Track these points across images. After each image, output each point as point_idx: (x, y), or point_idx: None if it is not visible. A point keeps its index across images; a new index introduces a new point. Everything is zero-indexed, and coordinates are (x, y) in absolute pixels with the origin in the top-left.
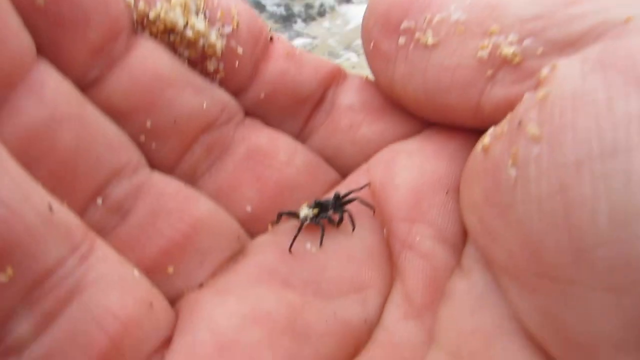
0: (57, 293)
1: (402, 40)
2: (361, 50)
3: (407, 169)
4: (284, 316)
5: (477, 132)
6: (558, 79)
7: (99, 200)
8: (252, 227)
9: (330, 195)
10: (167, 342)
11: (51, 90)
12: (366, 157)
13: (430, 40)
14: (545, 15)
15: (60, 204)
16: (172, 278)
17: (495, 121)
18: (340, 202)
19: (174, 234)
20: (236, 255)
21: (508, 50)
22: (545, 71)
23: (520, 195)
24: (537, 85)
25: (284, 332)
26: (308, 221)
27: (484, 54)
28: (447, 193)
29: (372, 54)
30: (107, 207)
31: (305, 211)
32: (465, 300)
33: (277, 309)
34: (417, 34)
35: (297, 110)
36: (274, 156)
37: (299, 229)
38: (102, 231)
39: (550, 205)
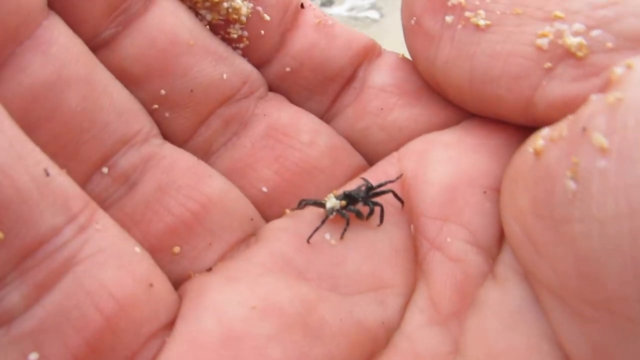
0: (50, 264)
1: (449, 18)
2: (385, 10)
3: (443, 163)
4: (297, 310)
5: (524, 130)
6: (634, 81)
7: (105, 169)
8: (267, 210)
9: (356, 185)
10: (168, 326)
11: (60, 49)
12: (395, 145)
13: (481, 22)
14: (619, 2)
15: (60, 170)
16: (178, 259)
17: (548, 121)
18: (371, 195)
19: (182, 211)
20: (248, 237)
21: (572, 40)
22: (618, 70)
23: (579, 212)
24: (606, 87)
25: (295, 327)
26: (334, 214)
27: (543, 42)
28: (484, 193)
29: (413, 31)
30: (114, 177)
31: (332, 202)
32: (497, 312)
33: (289, 302)
34: (467, 13)
35: (324, 87)
36: (296, 135)
37: (323, 221)
38: (107, 202)
39: (615, 228)
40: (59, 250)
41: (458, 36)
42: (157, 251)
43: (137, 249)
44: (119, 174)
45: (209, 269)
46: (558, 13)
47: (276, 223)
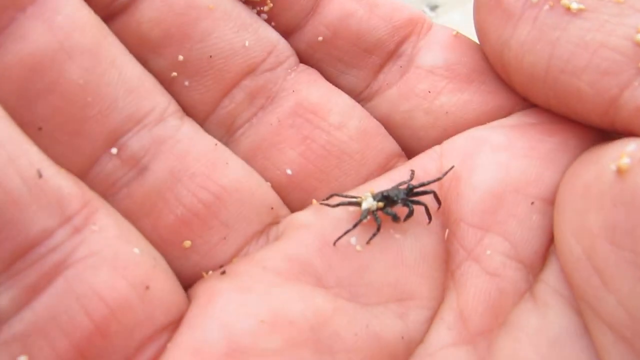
0: (41, 267)
1: None
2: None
3: (490, 168)
4: (308, 324)
5: (587, 133)
6: None
7: (114, 150)
8: (291, 194)
9: (393, 183)
10: (169, 327)
11: (65, 18)
12: (439, 131)
13: (574, 4)
14: None
15: (58, 169)
16: (189, 253)
17: (630, 128)
18: (410, 195)
19: (195, 202)
20: (268, 227)
21: None
22: None
23: None
24: None
25: (306, 343)
26: (367, 217)
27: None
28: (532, 204)
29: (488, 6)
30: (123, 159)
31: (369, 203)
32: (534, 339)
33: (302, 314)
34: None
35: (362, 60)
36: (325, 116)
37: (356, 224)
38: (116, 186)
39: None
40: (51, 252)
41: (542, 17)
42: (167, 245)
43: (137, 250)
44: (129, 155)
45: (223, 272)
46: None
47: (300, 217)
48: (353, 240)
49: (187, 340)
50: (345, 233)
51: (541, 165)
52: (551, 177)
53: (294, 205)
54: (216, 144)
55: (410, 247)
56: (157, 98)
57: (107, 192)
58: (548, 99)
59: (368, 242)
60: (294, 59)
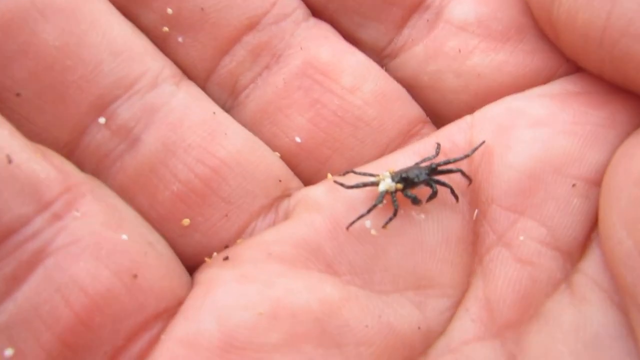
0: (20, 255)
1: None
2: None
3: (527, 144)
4: (314, 315)
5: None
6: None
7: (102, 119)
8: (302, 164)
9: (416, 159)
10: (164, 314)
11: None
12: (470, 96)
13: None
14: None
15: (32, 154)
16: (189, 232)
17: None
18: (434, 174)
19: (191, 177)
20: (277, 201)
21: None
22: None
23: None
24: None
25: (309, 336)
26: (383, 202)
27: None
28: (574, 186)
29: None
30: (112, 129)
31: (387, 185)
32: (569, 336)
33: (306, 305)
34: None
35: (383, 12)
36: (337, 77)
37: (370, 209)
38: (108, 159)
39: None
40: (29, 240)
41: None
42: (165, 223)
43: (125, 237)
44: (119, 125)
45: (226, 257)
46: None
47: (312, 194)
48: (368, 223)
49: (181, 332)
50: (359, 218)
51: (585, 143)
52: (596, 157)
53: (305, 176)
54: (214, 112)
55: (431, 229)
56: (149, 62)
57: (100, 166)
58: (602, 64)
59: (384, 227)
60: (302, 11)
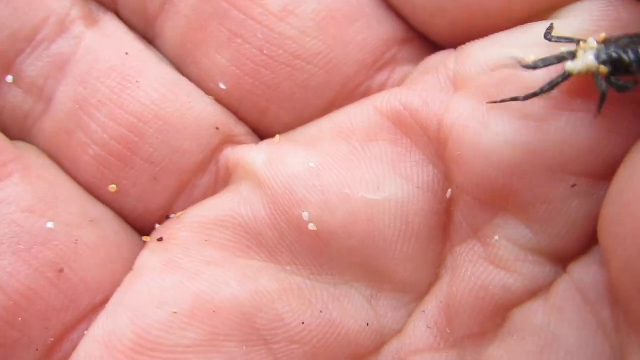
0: None
1: None
2: None
3: (516, 123)
4: (240, 310)
5: None
6: None
7: (9, 78)
8: (239, 112)
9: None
10: (104, 305)
11: None
12: (449, 24)
13: None
14: None
15: None
16: (121, 198)
17: None
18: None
19: (106, 139)
20: (220, 150)
21: None
22: None
23: None
24: None
25: (233, 333)
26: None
27: None
28: (574, 186)
29: None
30: (24, 89)
31: (587, 63)
32: (534, 352)
33: (232, 299)
34: None
35: None
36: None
37: (551, 87)
38: (27, 122)
39: None
40: None
41: None
42: (94, 191)
43: (51, 224)
44: (28, 84)
45: (160, 238)
46: None
47: (252, 159)
48: (305, 215)
49: (99, 331)
50: (509, 100)
51: (598, 130)
52: (611, 149)
53: (252, 121)
54: (127, 53)
55: (388, 215)
56: (51, 3)
57: (23, 130)
58: None
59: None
60: None
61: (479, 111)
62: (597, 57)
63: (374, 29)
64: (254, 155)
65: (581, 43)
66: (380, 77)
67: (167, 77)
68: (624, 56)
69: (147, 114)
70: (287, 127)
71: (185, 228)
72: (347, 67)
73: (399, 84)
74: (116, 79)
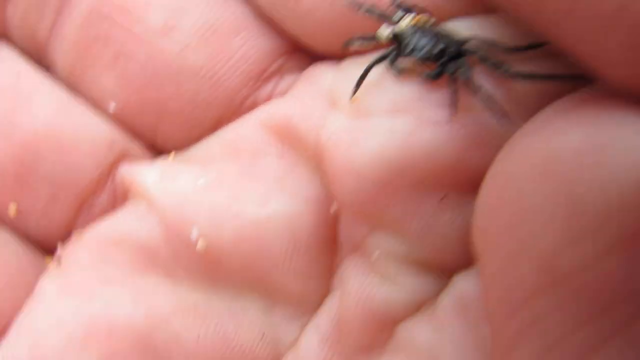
0: None
1: None
2: None
3: (383, 136)
4: (136, 330)
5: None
6: None
7: None
8: (130, 135)
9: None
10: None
11: None
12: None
13: None
14: None
15: None
16: (20, 220)
17: None
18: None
19: (3, 158)
20: (114, 169)
21: None
22: None
23: None
24: None
25: (129, 353)
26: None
27: None
28: (442, 200)
29: None
30: None
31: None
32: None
33: (127, 319)
34: None
35: None
36: (140, 15)
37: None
38: None
39: None
40: None
41: None
42: None
43: None
44: None
45: (59, 260)
46: None
47: (144, 177)
48: (194, 232)
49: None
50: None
51: (462, 143)
52: (475, 161)
53: (146, 138)
54: (19, 75)
55: (275, 230)
56: None
57: None
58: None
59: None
60: None
61: (350, 128)
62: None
63: (258, 41)
64: (146, 174)
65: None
66: (267, 89)
67: (60, 97)
68: (412, 39)
69: (42, 133)
70: (181, 144)
71: (82, 248)
72: (231, 80)
73: (284, 93)
74: (9, 98)
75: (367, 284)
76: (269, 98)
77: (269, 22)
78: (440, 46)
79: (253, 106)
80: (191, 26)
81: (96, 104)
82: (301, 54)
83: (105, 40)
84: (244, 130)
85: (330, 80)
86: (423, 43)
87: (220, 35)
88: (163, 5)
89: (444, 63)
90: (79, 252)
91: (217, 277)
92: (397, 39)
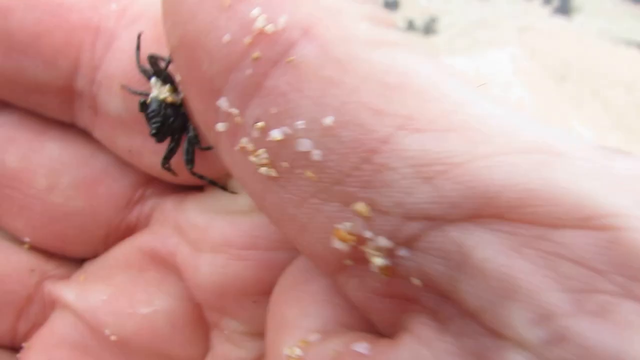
0: None
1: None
2: None
3: (213, 268)
4: None
5: None
6: None
7: None
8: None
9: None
10: None
11: None
12: None
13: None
14: None
15: None
16: None
17: None
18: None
19: None
20: (38, 287)
21: None
22: None
23: None
24: None
25: None
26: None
27: None
28: (254, 301)
29: None
30: None
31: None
32: None
33: None
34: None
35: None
36: (31, 182)
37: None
38: None
39: None
40: None
41: None
42: None
43: None
44: None
45: None
46: None
47: (65, 295)
48: (107, 331)
49: None
50: None
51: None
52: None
53: (59, 256)
54: None
55: (160, 320)
56: None
57: None
58: None
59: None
60: None
61: (192, 258)
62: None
63: (120, 180)
64: (67, 293)
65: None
66: (135, 212)
67: None
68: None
69: None
70: (83, 255)
71: (32, 355)
72: (107, 212)
73: (149, 214)
74: None
75: (226, 349)
76: (138, 218)
77: (126, 164)
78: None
79: (129, 226)
80: (68, 183)
81: (16, 239)
82: (157, 182)
83: (9, 199)
84: (128, 253)
85: (175, 218)
86: (156, 119)
87: (92, 182)
88: (45, 173)
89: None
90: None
91: (129, 355)
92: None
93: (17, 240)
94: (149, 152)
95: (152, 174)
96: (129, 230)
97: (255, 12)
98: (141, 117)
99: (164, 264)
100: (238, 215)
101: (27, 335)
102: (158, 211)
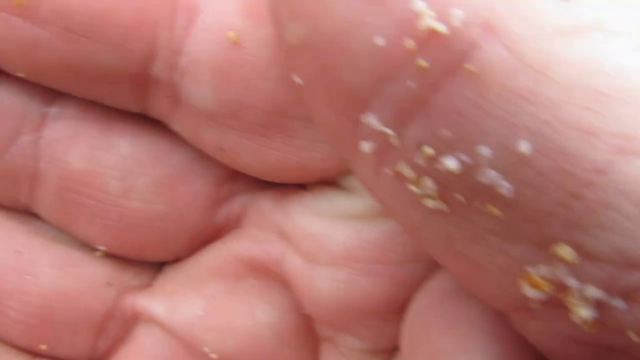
0: None
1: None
2: None
3: (334, 282)
4: None
5: None
6: None
7: None
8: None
9: None
10: None
11: None
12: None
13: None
14: None
15: None
16: (52, 353)
17: None
18: None
19: (24, 318)
20: (119, 303)
21: None
22: None
23: None
24: None
25: None
26: None
27: None
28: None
29: None
30: None
31: None
32: None
33: None
34: None
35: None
36: (102, 186)
37: None
38: None
39: None
40: None
41: None
42: (26, 351)
43: None
44: None
45: None
46: None
47: (153, 309)
48: (206, 349)
49: None
50: None
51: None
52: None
53: (135, 265)
54: (18, 252)
55: (264, 334)
56: None
57: None
58: None
59: None
60: (36, 105)
61: (304, 270)
62: None
63: (203, 177)
64: (154, 307)
65: None
66: (223, 212)
67: (57, 259)
68: None
69: (51, 294)
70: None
71: None
72: (192, 214)
73: (240, 213)
74: (16, 272)
75: None
76: (227, 218)
77: (207, 157)
78: None
79: (216, 228)
80: (145, 185)
81: (88, 247)
82: (243, 176)
83: (80, 206)
84: (220, 260)
85: (279, 221)
86: None
87: (170, 184)
88: (118, 176)
89: None
90: None
91: None
92: None
93: (88, 247)
94: (246, 150)
95: (250, 174)
96: (217, 232)
97: (419, 5)
98: (235, 110)
99: (266, 273)
100: (360, 221)
101: (107, 353)
102: (252, 211)
